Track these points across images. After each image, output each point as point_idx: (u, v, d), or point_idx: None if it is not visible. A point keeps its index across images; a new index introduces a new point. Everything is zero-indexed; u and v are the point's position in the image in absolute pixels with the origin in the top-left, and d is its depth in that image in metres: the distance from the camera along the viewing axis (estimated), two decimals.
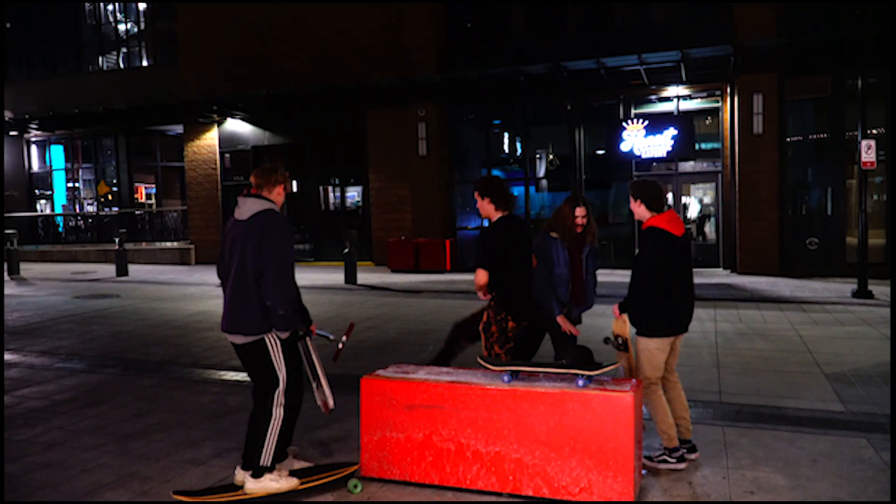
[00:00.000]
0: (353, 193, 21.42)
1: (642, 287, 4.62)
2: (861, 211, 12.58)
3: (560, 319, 5.24)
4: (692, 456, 4.79)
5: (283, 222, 4.28)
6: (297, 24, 19.52)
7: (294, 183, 21.84)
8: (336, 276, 16.29)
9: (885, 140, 14.83)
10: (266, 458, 4.27)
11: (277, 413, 4.30)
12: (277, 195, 4.42)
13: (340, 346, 4.72)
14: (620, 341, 4.83)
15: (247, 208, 4.29)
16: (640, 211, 4.75)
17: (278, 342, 4.29)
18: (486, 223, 5.49)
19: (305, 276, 16.13)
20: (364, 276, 16.43)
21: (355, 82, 17.88)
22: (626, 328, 4.82)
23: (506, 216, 5.34)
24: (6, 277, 17.52)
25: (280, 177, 4.42)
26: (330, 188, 21.59)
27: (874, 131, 14.47)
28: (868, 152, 12.11)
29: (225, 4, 20.32)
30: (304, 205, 21.08)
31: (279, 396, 4.30)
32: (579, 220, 5.24)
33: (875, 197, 15.68)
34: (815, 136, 16.37)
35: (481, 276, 5.17)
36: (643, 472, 4.53)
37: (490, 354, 5.23)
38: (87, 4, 24.25)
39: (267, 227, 4.18)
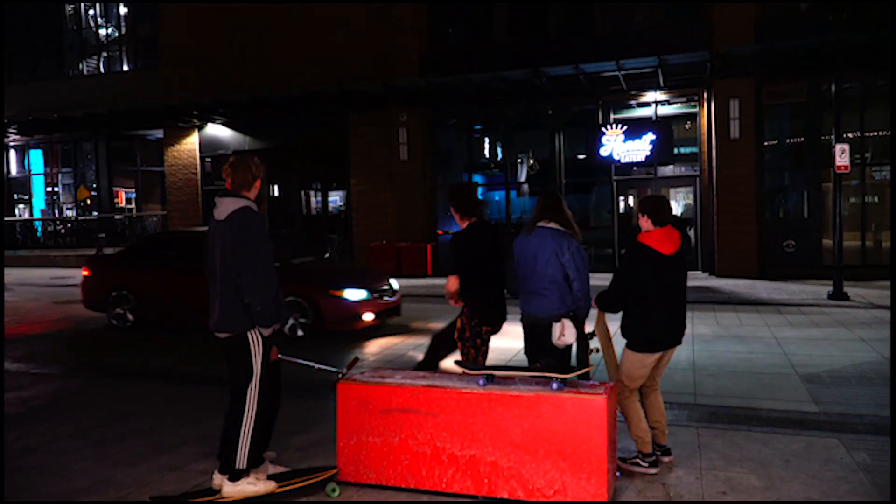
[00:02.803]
0: (336, 198, 21.40)
1: (614, 290, 4.77)
2: (836, 214, 12.76)
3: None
4: (666, 459, 4.84)
5: (258, 219, 4.30)
6: (280, 30, 19.50)
7: (276, 188, 21.81)
8: None
9: (877, 143, 15.12)
10: (241, 460, 4.27)
11: (250, 408, 4.30)
12: (254, 190, 4.43)
13: (340, 376, 4.69)
14: (595, 349, 4.99)
15: (224, 207, 4.31)
16: (646, 225, 4.78)
17: (261, 339, 4.33)
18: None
19: None
20: None
21: (337, 87, 17.89)
22: (600, 319, 4.99)
23: (474, 223, 5.36)
24: None
25: (256, 172, 4.41)
26: (312, 193, 21.56)
27: (849, 135, 14.68)
28: (842, 156, 12.28)
29: (208, 11, 20.25)
30: (285, 209, 21.02)
31: (252, 391, 4.31)
32: None
33: (852, 200, 15.89)
34: (791, 141, 16.60)
35: (452, 282, 5.21)
36: (617, 473, 4.57)
37: (467, 360, 5.26)
38: (68, 8, 24.11)
39: (242, 227, 4.21)
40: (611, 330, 5.07)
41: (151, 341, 9.94)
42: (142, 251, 11.55)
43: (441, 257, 18.34)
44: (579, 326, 4.92)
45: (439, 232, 18.82)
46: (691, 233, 17.66)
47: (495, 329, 5.38)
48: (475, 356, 5.27)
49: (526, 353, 5.24)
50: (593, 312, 5.05)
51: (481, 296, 5.27)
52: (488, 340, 5.35)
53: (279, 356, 4.67)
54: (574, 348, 5.08)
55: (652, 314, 4.69)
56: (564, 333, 4.82)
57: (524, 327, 5.16)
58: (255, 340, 4.31)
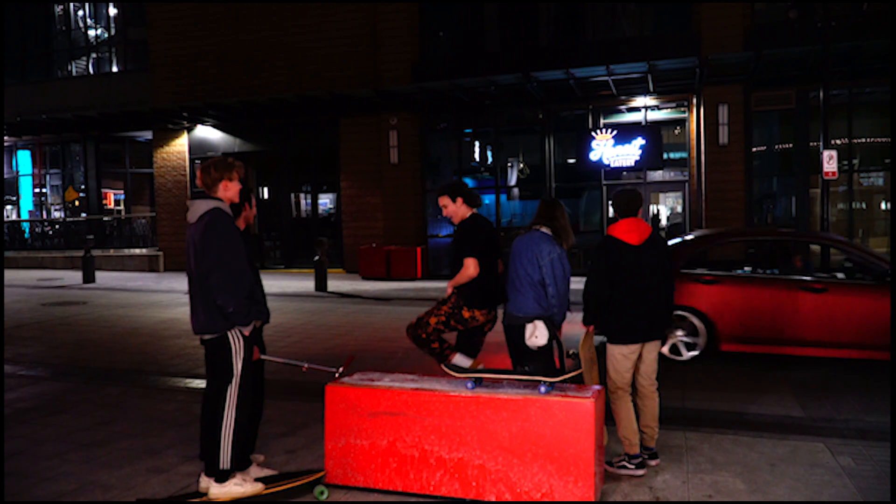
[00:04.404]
0: (326, 201, 21.38)
1: (588, 290, 4.88)
2: (824, 220, 12.85)
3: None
4: (653, 462, 4.87)
5: (225, 219, 4.27)
6: (272, 34, 19.46)
7: (265, 190, 21.76)
8: (307, 284, 16.23)
9: (864, 150, 15.23)
10: (224, 460, 4.26)
11: (230, 409, 4.29)
12: (224, 191, 4.36)
13: (336, 375, 4.68)
14: (571, 352, 5.00)
15: (194, 210, 4.31)
16: (617, 218, 4.95)
17: (241, 339, 4.31)
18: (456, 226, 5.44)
19: (276, 284, 16.06)
20: (335, 284, 16.39)
21: (329, 92, 17.86)
22: (586, 341, 4.99)
23: (476, 214, 5.37)
24: None
25: (217, 174, 4.34)
26: (302, 195, 21.53)
27: (837, 142, 14.80)
28: (829, 163, 12.40)
29: (198, 12, 20.19)
30: (275, 212, 20.98)
31: (231, 391, 4.29)
32: None
33: (840, 206, 16.01)
34: (779, 147, 16.72)
35: (472, 267, 5.04)
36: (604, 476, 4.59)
37: (422, 324, 5.16)
38: (57, 9, 23.99)
39: (209, 227, 4.20)
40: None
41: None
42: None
43: (432, 260, 18.38)
44: (552, 330, 4.96)
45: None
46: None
47: (481, 317, 5.19)
48: (437, 336, 5.20)
49: (510, 356, 5.25)
50: (578, 317, 5.09)
51: (477, 285, 5.16)
52: (459, 328, 5.22)
53: (261, 356, 4.66)
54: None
55: (625, 304, 4.79)
56: (536, 334, 4.90)
57: (504, 328, 5.19)
58: (236, 340, 4.30)
